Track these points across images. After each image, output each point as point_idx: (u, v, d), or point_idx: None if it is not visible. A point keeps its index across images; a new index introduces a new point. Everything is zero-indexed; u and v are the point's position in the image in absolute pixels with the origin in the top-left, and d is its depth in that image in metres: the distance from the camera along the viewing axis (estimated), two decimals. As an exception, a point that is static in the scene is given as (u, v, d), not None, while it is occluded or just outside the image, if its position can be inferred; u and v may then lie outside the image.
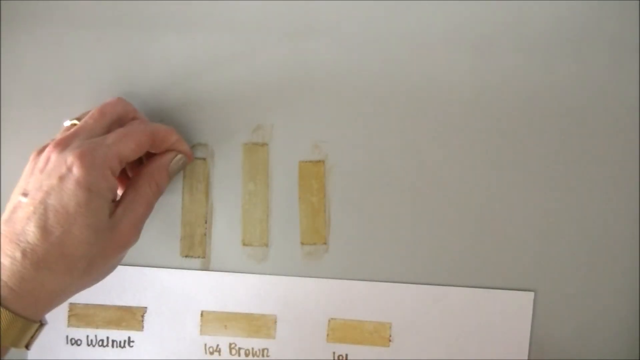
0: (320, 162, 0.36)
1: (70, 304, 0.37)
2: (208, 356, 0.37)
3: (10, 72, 0.36)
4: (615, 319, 0.36)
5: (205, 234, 0.37)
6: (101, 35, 0.36)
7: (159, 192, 0.32)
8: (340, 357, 0.37)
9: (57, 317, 0.37)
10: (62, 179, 0.28)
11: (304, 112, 0.36)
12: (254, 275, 0.37)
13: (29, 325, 0.28)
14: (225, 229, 0.37)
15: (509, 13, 0.34)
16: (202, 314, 0.37)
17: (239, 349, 0.37)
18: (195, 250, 0.37)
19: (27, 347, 0.29)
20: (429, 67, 0.35)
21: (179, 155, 0.33)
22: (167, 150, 0.33)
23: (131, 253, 0.32)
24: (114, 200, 0.30)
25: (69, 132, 0.30)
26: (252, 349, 0.37)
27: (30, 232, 0.27)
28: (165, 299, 0.37)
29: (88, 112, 0.32)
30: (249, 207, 0.36)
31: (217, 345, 0.37)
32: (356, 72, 0.35)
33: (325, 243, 0.36)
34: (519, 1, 0.34)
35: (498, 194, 0.35)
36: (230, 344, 0.37)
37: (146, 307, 0.37)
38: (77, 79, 0.36)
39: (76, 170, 0.28)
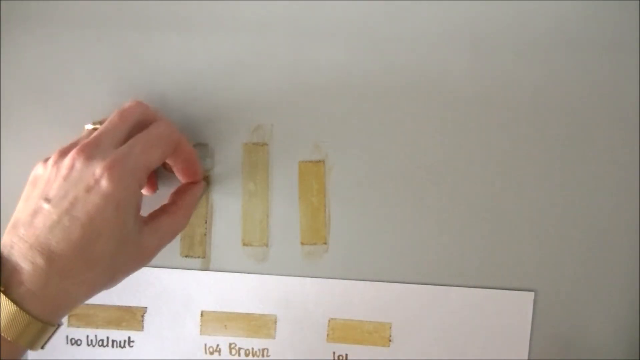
0: (320, 162, 0.36)
1: (70, 304, 0.37)
2: (208, 356, 0.37)
3: (10, 72, 0.36)
4: (615, 319, 0.36)
5: (205, 234, 0.37)
6: (101, 35, 0.36)
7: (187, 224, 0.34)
8: (340, 357, 0.37)
9: (57, 317, 0.37)
10: (89, 190, 0.27)
11: (304, 112, 0.36)
12: (254, 275, 0.37)
13: (47, 328, 0.27)
14: (225, 229, 0.37)
15: (509, 13, 0.34)
16: (202, 314, 0.37)
17: (239, 349, 0.37)
18: (195, 250, 0.37)
19: (43, 347, 0.28)
20: (429, 67, 0.35)
21: (204, 187, 0.35)
22: (199, 182, 0.35)
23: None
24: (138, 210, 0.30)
25: (90, 138, 0.29)
26: (252, 349, 0.37)
27: (54, 241, 0.27)
28: (165, 299, 0.37)
29: (107, 117, 0.32)
30: (249, 207, 0.36)
31: (217, 345, 0.37)
32: (356, 72, 0.35)
33: (325, 243, 0.36)
34: (519, 1, 0.34)
35: (498, 194, 0.35)
36: (230, 344, 0.37)
37: (146, 307, 0.37)
38: (77, 79, 0.36)
39: (105, 184, 0.27)
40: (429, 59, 0.35)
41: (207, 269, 0.37)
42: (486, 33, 0.34)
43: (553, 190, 0.35)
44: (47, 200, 0.28)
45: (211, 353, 0.37)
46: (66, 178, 0.28)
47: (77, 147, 0.29)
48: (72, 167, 0.28)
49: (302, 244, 0.36)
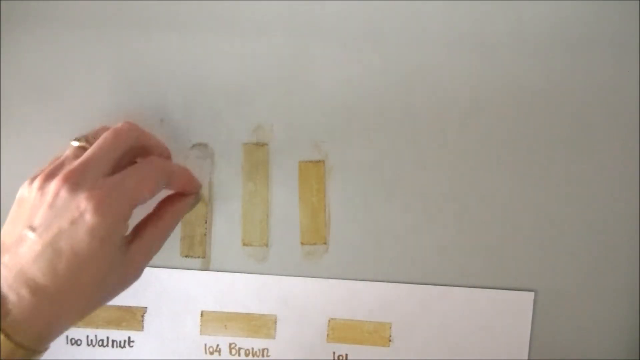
0: (320, 162, 0.36)
1: (70, 304, 0.37)
2: (208, 356, 0.37)
3: (10, 72, 0.36)
4: (615, 319, 0.36)
5: (205, 234, 0.37)
6: (101, 35, 0.36)
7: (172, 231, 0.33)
8: (340, 357, 0.37)
9: (57, 317, 0.37)
10: (74, 223, 0.27)
11: (304, 112, 0.36)
12: (254, 275, 0.37)
13: (33, 354, 0.27)
14: (225, 229, 0.37)
15: (509, 14, 0.34)
16: (202, 314, 0.37)
17: (239, 349, 0.37)
18: (195, 250, 0.37)
19: None
20: (429, 67, 0.35)
21: (196, 197, 0.34)
22: (189, 194, 0.33)
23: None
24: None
25: (77, 164, 0.28)
26: (252, 349, 0.37)
27: (39, 273, 0.26)
28: (165, 299, 0.37)
29: (94, 131, 0.31)
30: (249, 207, 0.36)
31: (217, 345, 0.37)
32: (356, 72, 0.35)
33: (325, 243, 0.36)
34: (519, 2, 0.34)
35: (498, 194, 0.35)
36: (230, 344, 0.37)
37: (146, 307, 0.37)
38: (77, 79, 0.36)
39: (90, 218, 0.27)
40: (429, 59, 0.35)
41: (207, 269, 0.37)
42: (486, 33, 0.34)
43: (553, 190, 0.35)
44: (32, 228, 0.27)
45: (211, 353, 0.37)
46: (51, 206, 0.27)
47: (63, 172, 0.28)
48: (57, 195, 0.27)
49: (302, 244, 0.36)
